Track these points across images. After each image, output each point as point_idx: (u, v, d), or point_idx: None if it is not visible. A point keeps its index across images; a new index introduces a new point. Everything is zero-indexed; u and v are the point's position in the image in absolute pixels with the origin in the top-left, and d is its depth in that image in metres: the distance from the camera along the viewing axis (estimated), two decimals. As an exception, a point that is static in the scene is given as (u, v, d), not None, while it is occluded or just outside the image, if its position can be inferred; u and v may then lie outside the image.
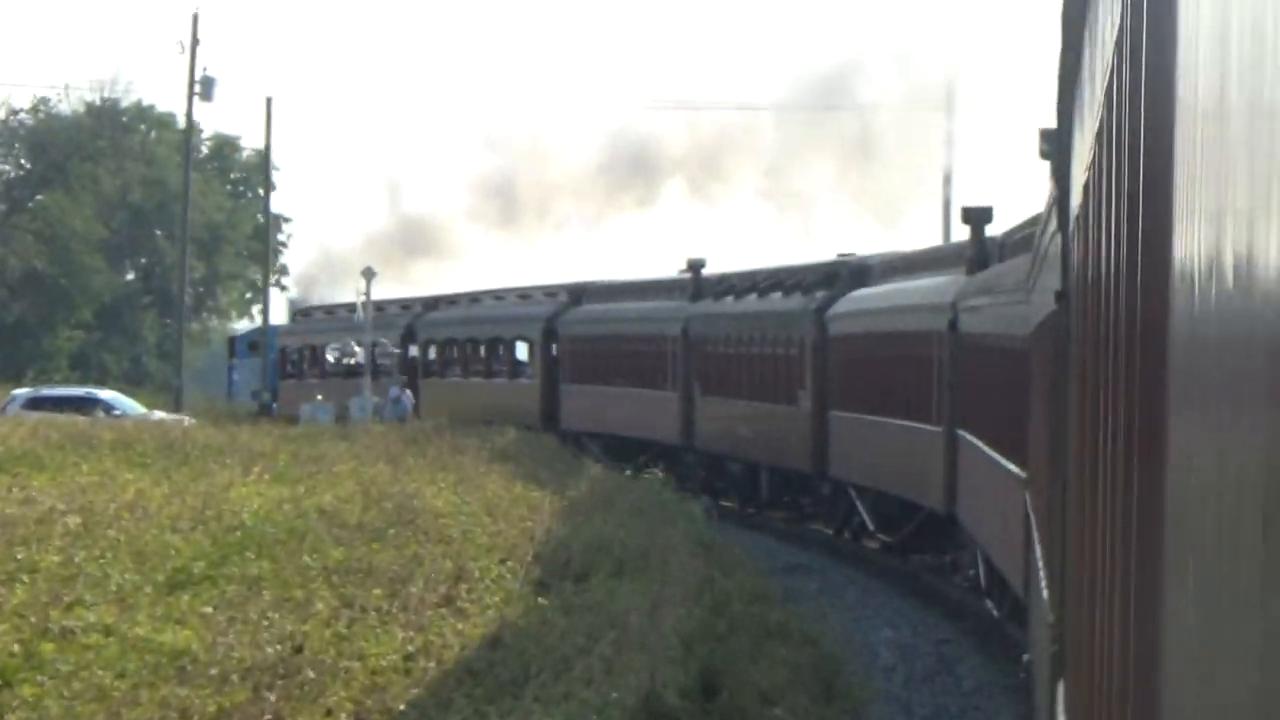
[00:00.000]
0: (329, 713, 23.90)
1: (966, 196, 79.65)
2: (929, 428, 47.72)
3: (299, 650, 26.99)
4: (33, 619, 28.20)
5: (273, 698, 24.19)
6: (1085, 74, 11.95)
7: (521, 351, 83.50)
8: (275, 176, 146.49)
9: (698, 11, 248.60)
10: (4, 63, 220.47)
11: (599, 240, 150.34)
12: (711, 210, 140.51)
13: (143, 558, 34.54)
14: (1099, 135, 9.93)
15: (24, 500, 41.16)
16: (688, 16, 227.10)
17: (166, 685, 24.83)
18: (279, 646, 27.13)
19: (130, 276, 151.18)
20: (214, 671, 25.62)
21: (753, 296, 66.55)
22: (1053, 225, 19.60)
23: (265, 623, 28.98)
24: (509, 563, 36.34)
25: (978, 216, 49.24)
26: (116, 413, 79.11)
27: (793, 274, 65.24)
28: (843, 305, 58.96)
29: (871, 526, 55.40)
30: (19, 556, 33.48)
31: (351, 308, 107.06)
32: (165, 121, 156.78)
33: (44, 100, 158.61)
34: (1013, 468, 32.81)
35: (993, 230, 47.99)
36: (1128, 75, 6.78)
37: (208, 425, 73.01)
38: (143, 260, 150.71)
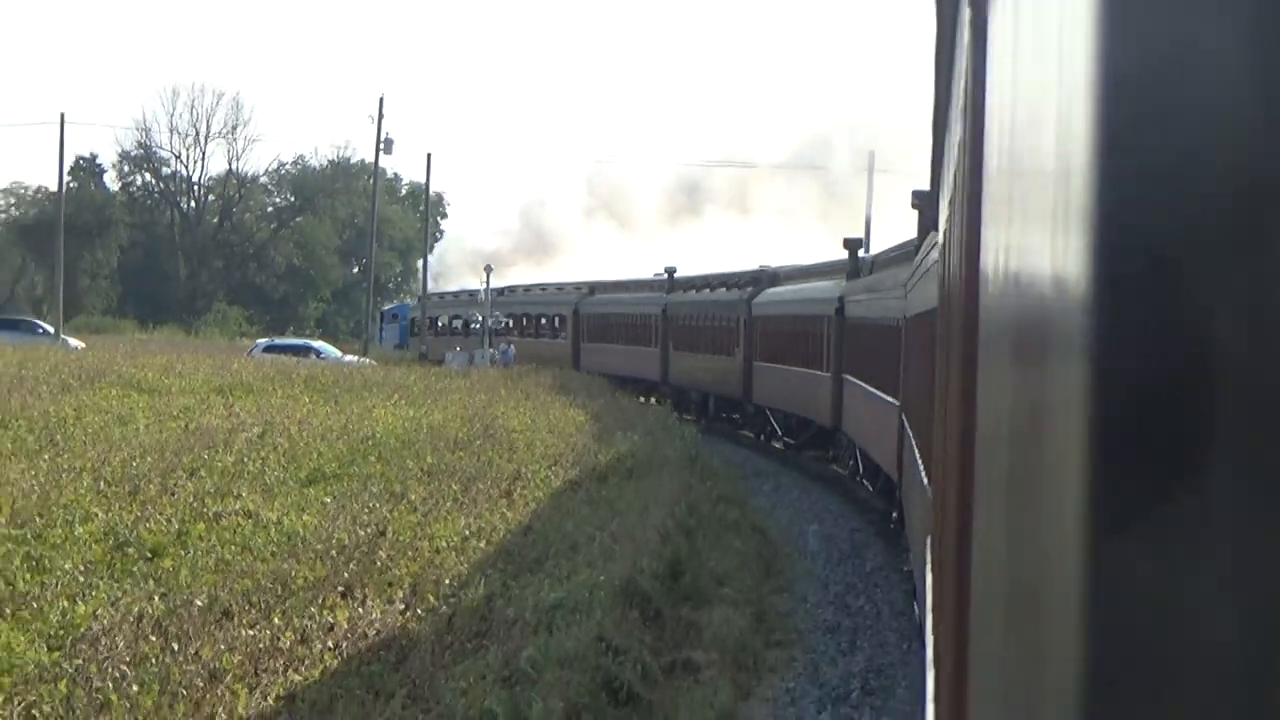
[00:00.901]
0: (390, 584, 18.13)
1: (878, 230, 79.28)
2: (822, 373, 44.20)
3: (383, 534, 21.28)
4: (194, 504, 22.24)
5: (349, 572, 18.32)
6: (946, 147, 10.94)
7: (559, 322, 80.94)
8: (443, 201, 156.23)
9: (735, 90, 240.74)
10: (278, 128, 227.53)
11: (671, 240, 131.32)
12: (745, 222, 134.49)
13: (294, 459, 28.78)
14: (950, 194, 9.51)
15: (227, 415, 35.35)
16: (730, 95, 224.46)
17: (275, 560, 18.99)
18: (369, 530, 21.32)
19: (354, 270, 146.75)
20: (316, 549, 19.81)
21: (707, 290, 64.47)
22: (932, 254, 17.95)
23: (366, 511, 23.12)
24: (555, 467, 30.32)
25: (853, 244, 47.36)
26: (323, 357, 71.92)
27: (732, 277, 62.73)
28: (764, 297, 55.98)
29: (780, 433, 52.24)
30: (205, 456, 27.61)
31: (457, 293, 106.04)
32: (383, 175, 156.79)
33: (301, 156, 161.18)
34: (888, 398, 29.11)
35: (863, 253, 46.74)
36: (966, 151, 5.69)
37: (379, 367, 65.40)
38: (362, 260, 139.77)
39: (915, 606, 20.09)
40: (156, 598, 16.48)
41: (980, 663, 3.40)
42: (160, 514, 21.13)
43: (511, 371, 62.34)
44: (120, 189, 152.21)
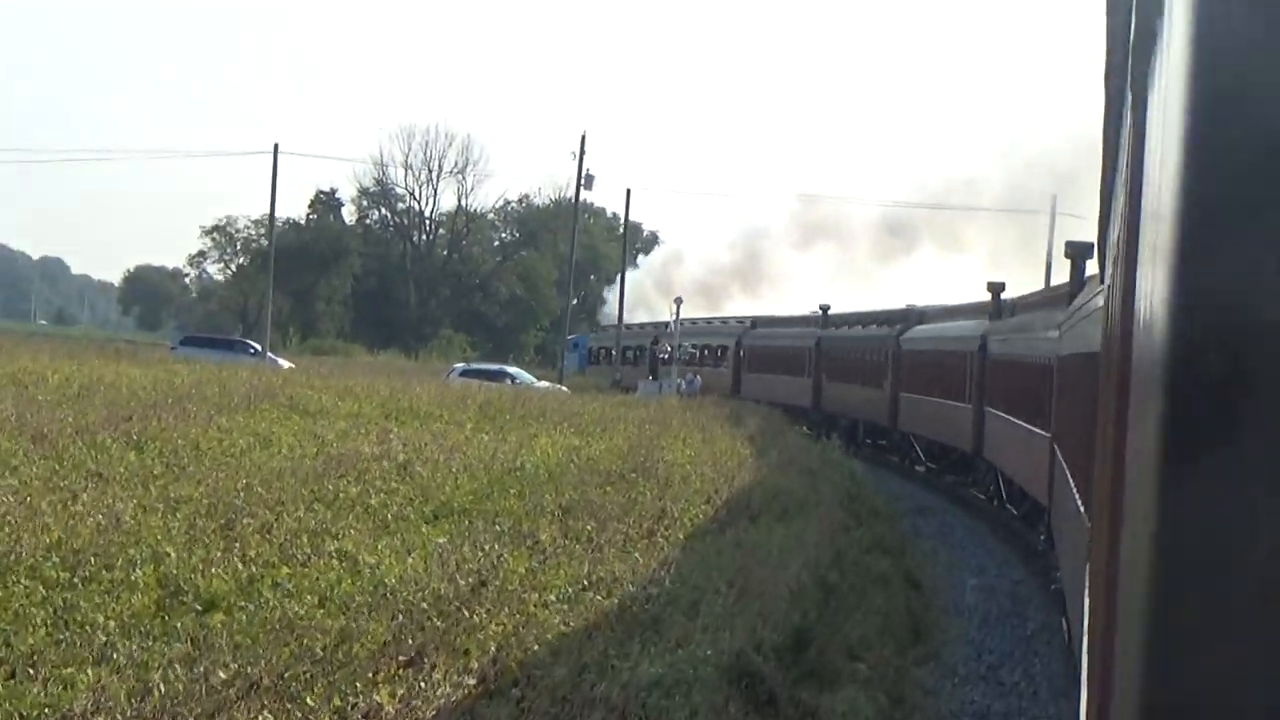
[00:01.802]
0: (469, 650, 13.47)
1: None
2: (964, 405, 42.02)
3: (484, 583, 16.59)
4: (287, 543, 17.88)
5: (422, 633, 13.78)
6: (1111, 212, 9.33)
7: (722, 352, 77.40)
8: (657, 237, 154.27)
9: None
10: (507, 169, 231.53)
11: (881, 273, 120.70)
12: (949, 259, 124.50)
13: (425, 492, 24.23)
14: (1113, 254, 8.78)
15: (379, 441, 30.90)
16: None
17: (349, 615, 14.46)
18: (472, 578, 16.79)
19: (573, 301, 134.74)
20: (405, 600, 15.36)
21: (859, 327, 61.11)
22: (1094, 301, 16.04)
23: (480, 553, 18.53)
24: (707, 504, 25.42)
25: (996, 288, 45.59)
26: (517, 382, 65.05)
27: (881, 315, 59.49)
28: (912, 333, 53.12)
29: (922, 458, 50.02)
30: (330, 487, 23.31)
31: (643, 324, 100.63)
32: (597, 211, 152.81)
33: (526, 195, 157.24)
34: (1037, 429, 27.74)
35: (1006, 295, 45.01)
36: (1126, 220, 5.48)
37: (568, 394, 59.86)
38: (580, 292, 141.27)
39: (1064, 622, 19.00)
40: (178, 666, 12.07)
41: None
42: (239, 555, 16.71)
43: (691, 401, 57.39)
44: (357, 221, 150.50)
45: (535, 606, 15.68)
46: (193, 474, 23.27)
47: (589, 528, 22.07)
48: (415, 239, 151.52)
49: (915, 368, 50.42)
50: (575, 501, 24.57)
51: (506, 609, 15.32)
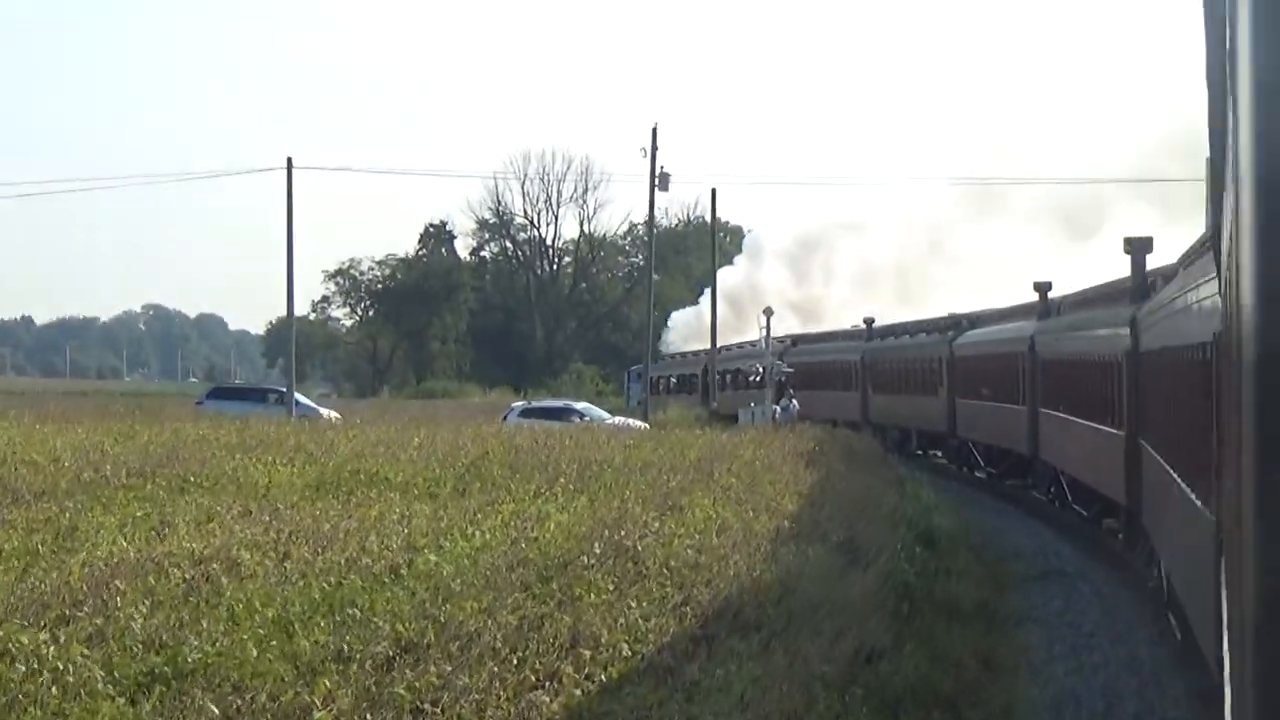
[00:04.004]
0: None
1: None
2: (1019, 406, 31.27)
3: None
4: None
5: None
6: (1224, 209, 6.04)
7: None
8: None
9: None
10: (629, 191, 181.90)
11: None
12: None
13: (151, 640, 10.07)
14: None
15: (223, 534, 15.91)
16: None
17: None
18: None
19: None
20: None
21: (906, 337, 45.92)
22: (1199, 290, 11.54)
23: None
24: (671, 615, 11.83)
25: (1043, 288, 32.94)
26: (586, 419, 43.82)
27: (928, 324, 44.75)
28: (964, 339, 39.24)
29: (982, 464, 36.64)
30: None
31: (686, 354, 76.58)
32: (734, 231, 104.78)
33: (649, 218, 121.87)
34: (1106, 428, 21.52)
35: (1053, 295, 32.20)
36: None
37: (641, 431, 38.90)
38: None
39: (1169, 617, 15.04)
40: None
41: None
42: None
43: (785, 429, 37.98)
44: (472, 253, 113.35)
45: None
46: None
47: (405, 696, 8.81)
48: (538, 269, 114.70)
49: (971, 373, 37.27)
50: (426, 636, 10.57)
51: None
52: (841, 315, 66.60)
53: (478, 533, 16.20)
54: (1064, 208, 65.71)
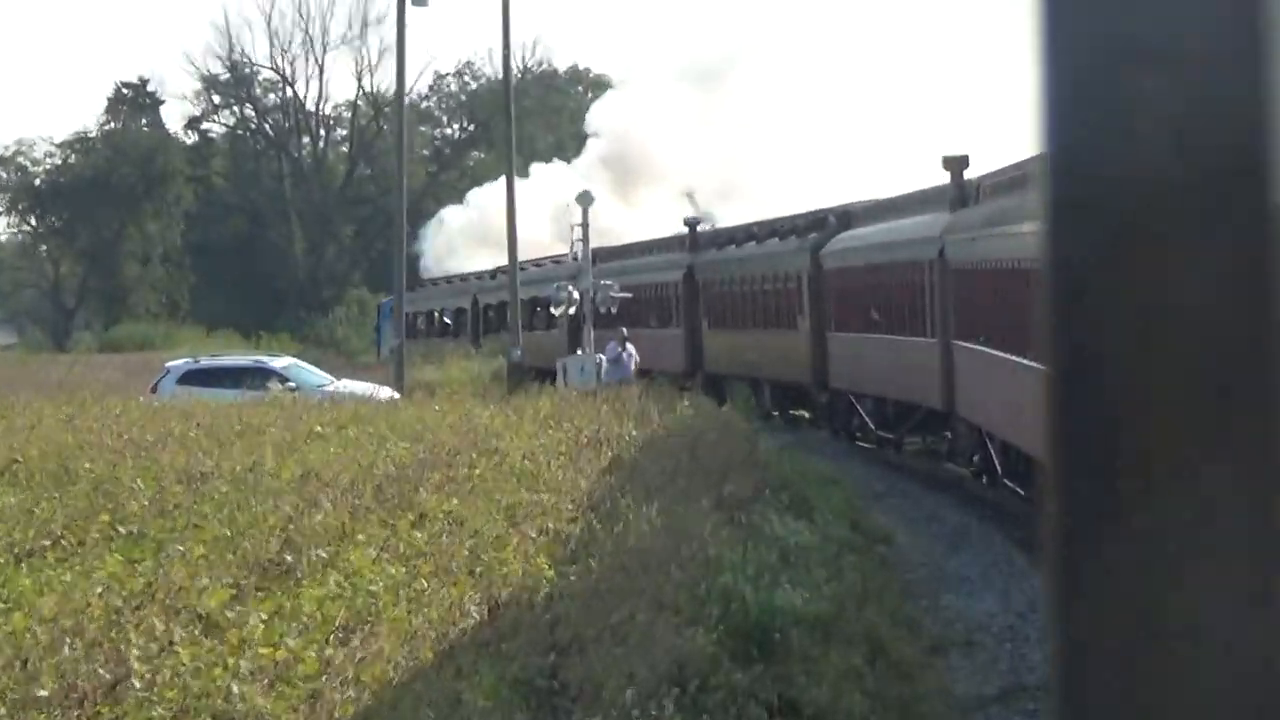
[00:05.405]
0: None
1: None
2: (925, 340, 22.77)
3: None
4: None
5: None
6: None
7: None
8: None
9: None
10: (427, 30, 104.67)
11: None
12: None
13: None
14: None
15: None
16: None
17: None
18: None
19: None
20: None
21: (751, 244, 32.33)
22: None
23: None
24: None
25: (957, 165, 23.31)
26: (289, 386, 25.45)
27: (783, 223, 31.30)
28: (834, 244, 28.35)
29: (871, 423, 26.29)
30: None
31: (453, 277, 50.83)
32: (599, 83, 71.22)
33: (469, 65, 76.37)
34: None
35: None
36: None
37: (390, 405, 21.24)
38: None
39: None
40: None
41: None
42: None
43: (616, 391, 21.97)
44: (190, 127, 73.98)
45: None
46: None
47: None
48: (295, 149, 74.84)
49: (846, 294, 26.89)
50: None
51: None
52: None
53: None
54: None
